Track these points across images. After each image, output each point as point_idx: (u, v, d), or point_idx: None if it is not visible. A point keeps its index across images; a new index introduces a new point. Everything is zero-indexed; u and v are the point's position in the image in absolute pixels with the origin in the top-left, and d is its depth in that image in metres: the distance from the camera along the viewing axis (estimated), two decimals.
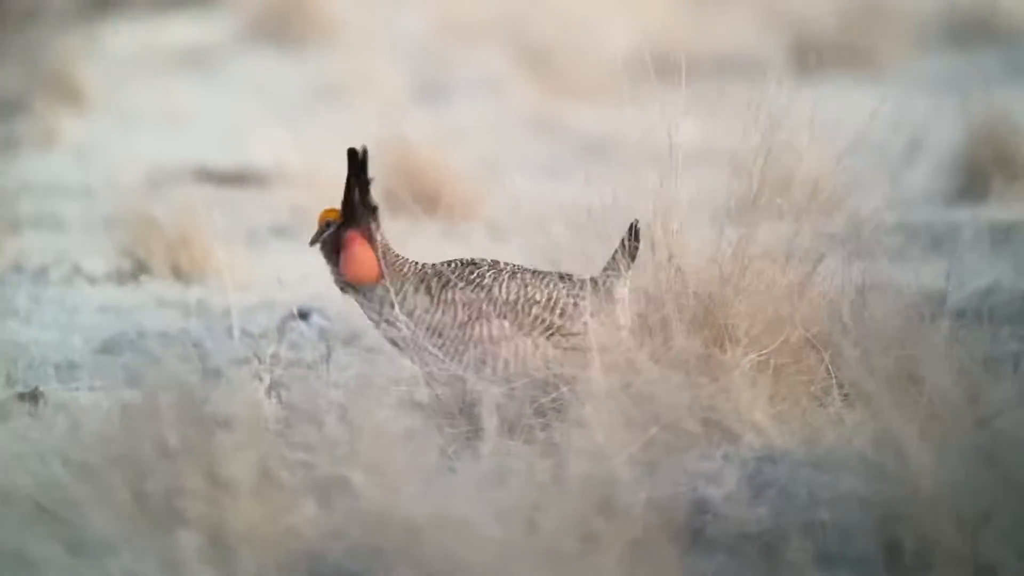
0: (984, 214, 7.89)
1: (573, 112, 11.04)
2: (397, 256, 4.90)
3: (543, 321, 4.77)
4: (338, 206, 4.93)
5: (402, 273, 4.85)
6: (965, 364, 4.40)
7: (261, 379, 5.06)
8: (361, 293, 4.88)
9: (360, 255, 4.90)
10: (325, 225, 4.93)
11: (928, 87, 11.38)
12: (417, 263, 4.90)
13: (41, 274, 7.38)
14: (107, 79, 12.33)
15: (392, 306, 4.79)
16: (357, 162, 4.90)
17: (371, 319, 4.87)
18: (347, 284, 4.91)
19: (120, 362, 5.94)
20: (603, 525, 3.81)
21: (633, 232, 4.76)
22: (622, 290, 4.77)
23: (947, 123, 8.89)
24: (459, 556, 3.74)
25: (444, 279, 4.81)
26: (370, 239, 4.90)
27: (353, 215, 4.91)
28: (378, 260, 4.88)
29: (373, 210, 4.93)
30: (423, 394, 4.73)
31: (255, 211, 8.65)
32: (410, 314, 4.77)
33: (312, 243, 4.92)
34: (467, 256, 4.95)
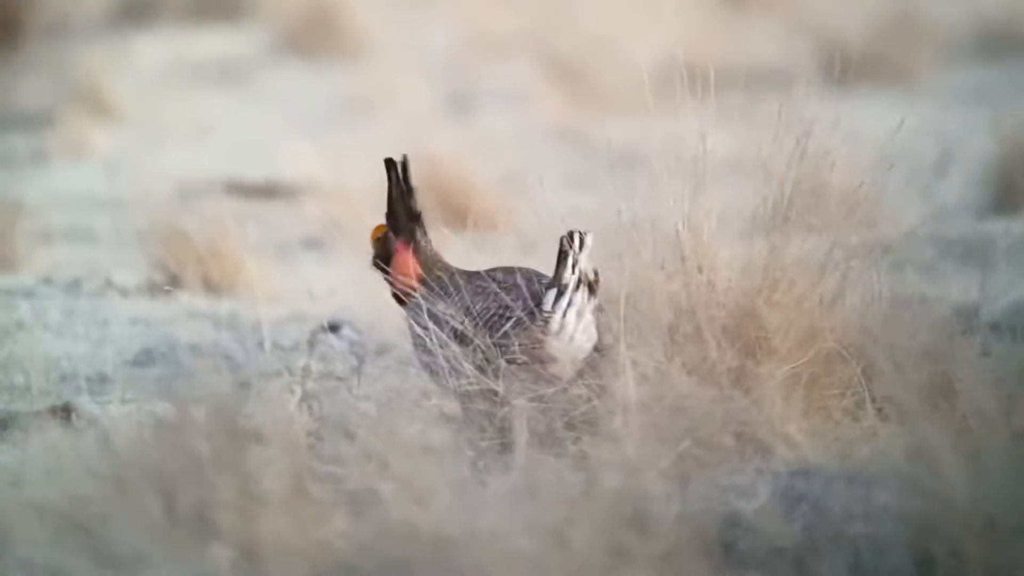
0: (1017, 226, 7.84)
1: (601, 124, 11.03)
2: (437, 262, 4.85)
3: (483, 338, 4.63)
4: (383, 221, 4.89)
5: (435, 278, 4.82)
6: (999, 377, 4.38)
7: (292, 392, 5.06)
8: (411, 308, 4.81)
9: (402, 264, 4.86)
10: (375, 242, 4.89)
11: (960, 99, 11.35)
12: (453, 270, 4.84)
13: (73, 286, 7.40)
14: (137, 92, 12.38)
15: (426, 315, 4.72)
16: (394, 171, 4.87)
17: (416, 342, 4.77)
18: (398, 297, 4.84)
19: (152, 375, 5.96)
20: (634, 539, 3.79)
21: (567, 244, 4.56)
22: (559, 321, 4.60)
23: (979, 135, 8.85)
24: (489, 570, 3.73)
25: (456, 283, 4.74)
26: (414, 248, 4.86)
27: (396, 225, 4.89)
28: (418, 267, 4.84)
29: (416, 217, 4.89)
30: (453, 407, 4.72)
31: (285, 224, 8.66)
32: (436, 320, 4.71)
33: (371, 264, 4.87)
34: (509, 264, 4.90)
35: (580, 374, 4.63)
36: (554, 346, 4.61)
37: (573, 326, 4.62)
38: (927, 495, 3.85)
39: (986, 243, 7.48)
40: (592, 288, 4.62)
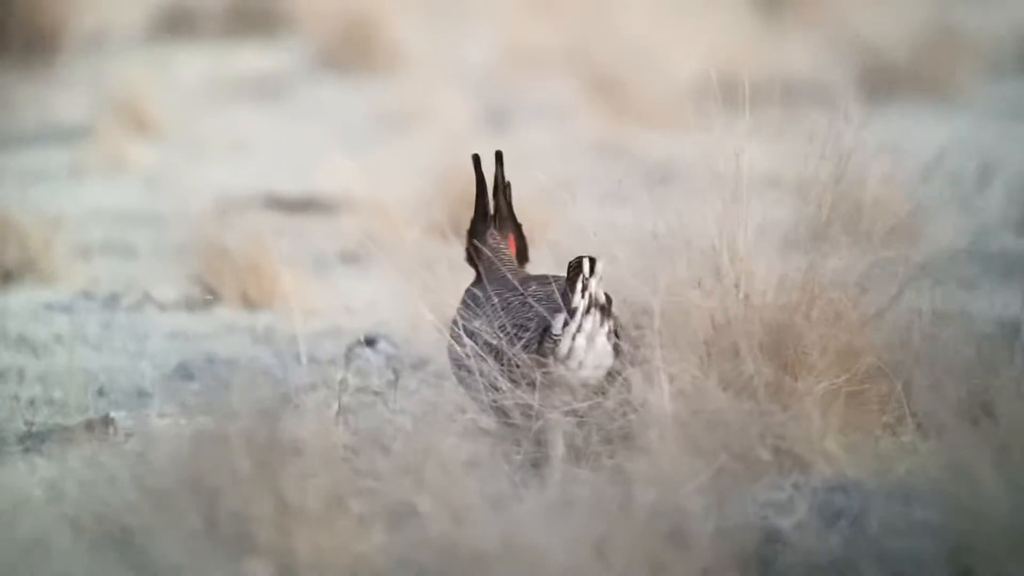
0: None
1: (639, 138, 11.02)
2: (491, 269, 4.84)
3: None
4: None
5: (475, 287, 4.83)
6: None
7: (329, 406, 5.07)
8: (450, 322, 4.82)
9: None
10: None
11: (1001, 113, 11.29)
12: (502, 274, 4.83)
13: (111, 301, 7.43)
14: (176, 106, 12.43)
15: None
16: (478, 168, 4.90)
17: (452, 354, 4.76)
18: None
19: (190, 389, 5.98)
20: (672, 555, 3.78)
21: (577, 270, 4.53)
22: (568, 343, 4.55)
23: (1021, 150, 8.80)
24: None
25: (488, 295, 4.73)
26: (478, 253, 4.89)
27: (473, 224, 4.93)
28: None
29: (490, 218, 4.92)
30: (490, 421, 4.72)
31: (323, 238, 8.68)
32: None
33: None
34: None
35: (600, 392, 4.58)
36: (559, 371, 4.58)
37: (583, 352, 4.56)
38: (966, 511, 3.82)
39: None
40: (606, 312, 4.59)
